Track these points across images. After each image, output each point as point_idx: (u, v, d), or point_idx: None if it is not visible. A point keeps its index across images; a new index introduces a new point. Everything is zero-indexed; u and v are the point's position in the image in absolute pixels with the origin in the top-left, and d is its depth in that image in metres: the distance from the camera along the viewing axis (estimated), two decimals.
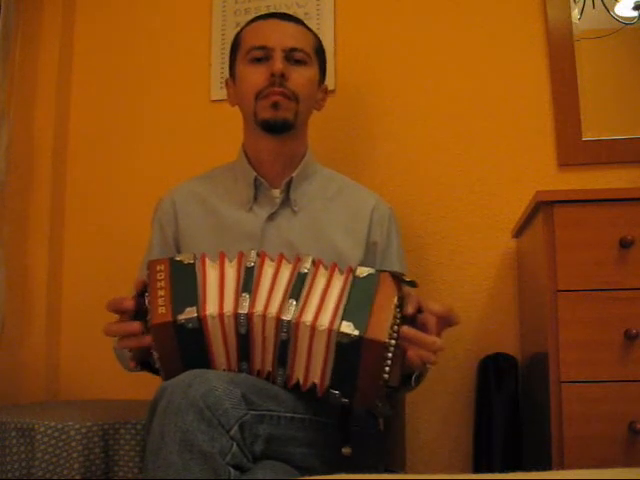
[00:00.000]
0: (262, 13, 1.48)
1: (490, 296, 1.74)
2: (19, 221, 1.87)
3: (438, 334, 1.06)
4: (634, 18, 1.71)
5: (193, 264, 1.08)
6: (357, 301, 1.03)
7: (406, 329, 1.02)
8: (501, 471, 1.49)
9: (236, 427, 0.95)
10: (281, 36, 1.34)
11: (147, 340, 1.04)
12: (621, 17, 1.72)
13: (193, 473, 0.90)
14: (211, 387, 0.95)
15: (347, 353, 1.00)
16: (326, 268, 1.09)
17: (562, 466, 1.23)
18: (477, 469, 1.59)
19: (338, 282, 1.06)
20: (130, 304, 1.07)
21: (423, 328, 1.06)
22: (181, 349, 1.03)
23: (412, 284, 1.07)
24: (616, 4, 1.73)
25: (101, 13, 2.03)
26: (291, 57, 1.33)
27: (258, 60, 1.33)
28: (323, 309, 1.03)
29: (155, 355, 1.04)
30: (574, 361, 1.27)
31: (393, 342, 1.00)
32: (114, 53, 2.01)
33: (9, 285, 1.80)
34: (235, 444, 0.94)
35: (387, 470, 1.30)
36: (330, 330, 1.00)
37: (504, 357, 1.64)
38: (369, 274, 1.06)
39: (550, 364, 1.27)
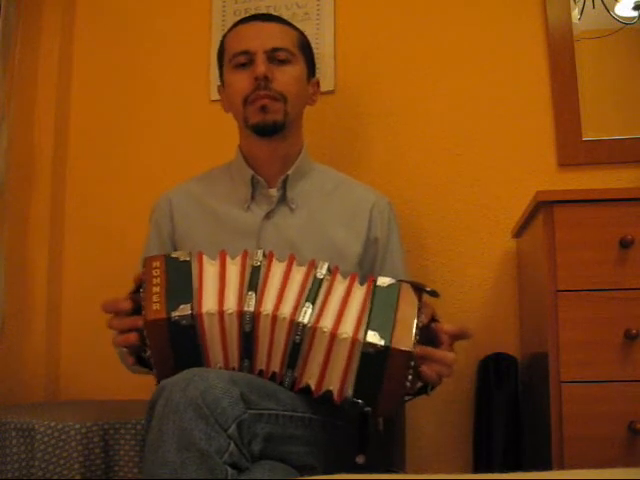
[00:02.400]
0: (256, 14, 1.48)
1: (490, 296, 1.74)
2: (19, 221, 1.87)
3: (450, 345, 1.08)
4: (634, 18, 1.71)
5: (189, 261, 1.08)
6: (380, 311, 1.03)
7: (419, 349, 1.02)
8: (501, 471, 1.49)
9: (234, 426, 0.95)
10: (262, 38, 1.34)
11: (133, 337, 1.05)
12: (621, 17, 1.72)
13: (190, 472, 0.90)
14: (209, 385, 0.95)
15: (372, 363, 1.00)
16: (344, 277, 1.09)
17: (562, 466, 1.23)
18: (477, 469, 1.59)
19: (359, 292, 1.07)
20: (127, 305, 1.08)
21: (436, 338, 1.08)
22: (173, 346, 1.03)
23: (433, 294, 1.08)
24: (616, 4, 1.73)
25: (101, 13, 2.03)
26: (274, 57, 1.33)
27: (242, 65, 1.34)
28: (344, 317, 1.03)
29: (148, 351, 1.04)
30: (574, 361, 1.27)
31: (416, 350, 1.01)
32: (114, 53, 2.01)
33: (9, 285, 1.80)
34: (233, 443, 0.94)
35: (387, 470, 1.30)
36: (355, 340, 1.00)
37: (504, 357, 1.64)
38: (390, 284, 1.07)
39: (550, 364, 1.27)
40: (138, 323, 1.05)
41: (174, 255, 1.09)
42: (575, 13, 1.75)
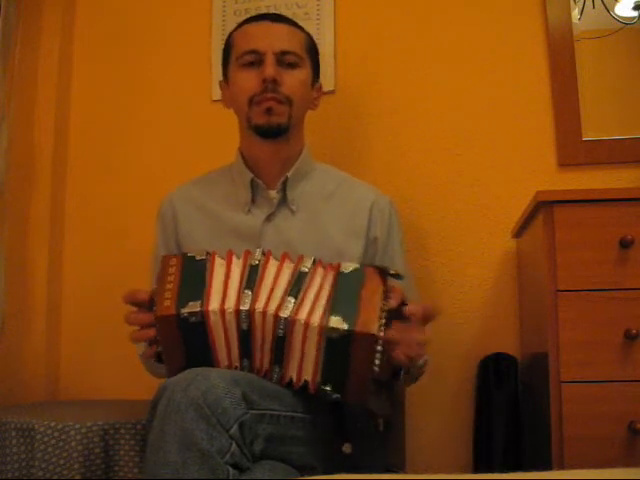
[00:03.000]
0: (265, 13, 1.48)
1: (490, 296, 1.74)
2: (19, 221, 1.87)
3: (421, 327, 1.08)
4: (634, 18, 1.71)
5: (205, 260, 1.10)
6: (344, 296, 1.04)
7: (391, 332, 1.02)
8: (501, 471, 1.49)
9: (235, 426, 0.95)
10: (272, 39, 1.33)
11: (150, 332, 1.07)
12: (621, 17, 1.72)
13: (191, 472, 0.90)
14: (211, 386, 0.96)
15: (337, 348, 1.01)
16: (324, 267, 1.10)
17: (562, 466, 1.23)
18: (477, 469, 1.59)
19: (329, 280, 1.08)
20: (144, 296, 1.09)
21: (407, 321, 1.07)
22: (184, 343, 1.05)
23: (397, 277, 1.08)
24: (616, 4, 1.73)
25: (101, 13, 2.03)
26: (283, 60, 1.33)
27: (250, 65, 1.33)
28: (316, 306, 1.04)
29: (159, 348, 1.06)
30: (574, 361, 1.27)
31: (382, 334, 1.01)
32: (114, 53, 2.01)
33: (9, 285, 1.80)
34: (234, 443, 0.95)
35: (387, 470, 1.30)
36: (321, 326, 1.01)
37: (504, 357, 1.64)
38: (354, 269, 1.08)
39: (550, 364, 1.27)
40: (151, 319, 1.06)
41: (191, 254, 1.11)
42: (575, 13, 1.75)
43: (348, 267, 1.08)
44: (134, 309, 1.11)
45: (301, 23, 1.45)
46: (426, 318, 1.09)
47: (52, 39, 1.95)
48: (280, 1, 1.90)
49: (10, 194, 1.83)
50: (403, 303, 1.08)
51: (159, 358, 1.09)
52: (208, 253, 1.11)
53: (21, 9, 1.88)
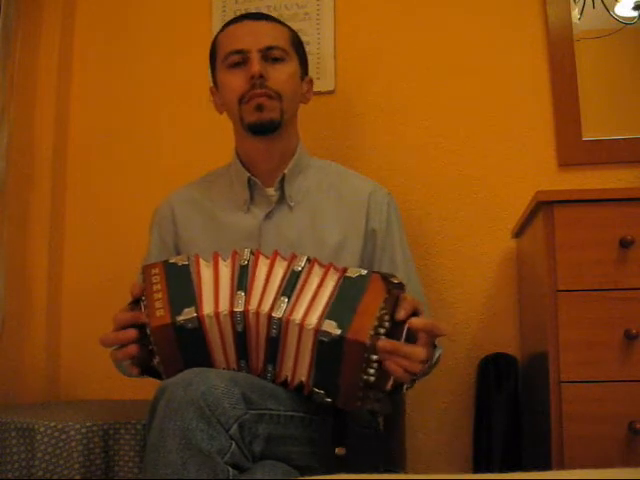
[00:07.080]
0: (246, 13, 1.47)
1: (490, 296, 1.74)
2: (19, 221, 1.87)
3: (426, 341, 1.03)
4: (634, 18, 1.72)
5: (187, 265, 1.08)
6: (344, 301, 1.02)
7: (383, 342, 0.99)
8: (501, 471, 1.49)
9: (235, 426, 0.95)
10: (255, 37, 1.33)
11: (134, 349, 1.05)
12: (621, 17, 1.72)
13: (191, 472, 0.90)
14: (211, 386, 0.95)
15: (329, 352, 1.00)
16: (321, 267, 1.09)
17: (562, 466, 1.23)
18: (477, 469, 1.59)
19: (331, 281, 1.06)
20: (131, 334, 1.06)
21: (412, 334, 1.03)
22: (182, 350, 1.03)
23: (400, 286, 1.04)
24: (616, 4, 1.73)
25: (101, 13, 2.03)
26: (268, 56, 1.33)
27: (236, 65, 1.33)
28: (313, 308, 1.03)
29: (156, 359, 1.04)
30: (574, 361, 1.27)
31: (379, 343, 0.98)
32: (114, 53, 2.01)
33: (9, 285, 1.80)
34: (234, 443, 0.95)
35: (387, 470, 1.30)
36: (316, 329, 1.00)
37: (504, 357, 1.64)
38: (359, 275, 1.06)
39: (550, 364, 1.27)
40: (131, 335, 1.04)
41: (172, 260, 1.09)
42: (575, 13, 1.75)
43: (354, 272, 1.06)
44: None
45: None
46: (429, 333, 1.03)
47: (52, 39, 1.95)
48: (280, 1, 1.90)
49: (10, 194, 1.83)
50: (415, 314, 1.03)
51: (147, 371, 1.07)
52: (190, 257, 1.09)
53: (21, 9, 1.88)
